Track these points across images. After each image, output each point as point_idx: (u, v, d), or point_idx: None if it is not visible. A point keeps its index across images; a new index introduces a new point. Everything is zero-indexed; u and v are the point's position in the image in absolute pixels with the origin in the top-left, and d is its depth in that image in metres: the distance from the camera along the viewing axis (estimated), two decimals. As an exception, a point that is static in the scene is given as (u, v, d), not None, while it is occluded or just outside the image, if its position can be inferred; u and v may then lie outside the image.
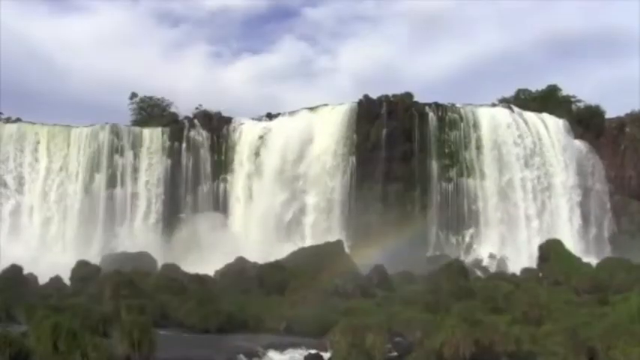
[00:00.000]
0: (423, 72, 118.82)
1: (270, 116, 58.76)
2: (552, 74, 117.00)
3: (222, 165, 56.18)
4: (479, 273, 42.64)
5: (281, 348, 20.70)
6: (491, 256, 48.88)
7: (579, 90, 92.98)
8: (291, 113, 57.72)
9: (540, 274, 37.22)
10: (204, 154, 56.38)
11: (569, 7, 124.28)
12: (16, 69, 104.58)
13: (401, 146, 53.03)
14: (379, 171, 52.45)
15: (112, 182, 54.51)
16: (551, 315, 22.41)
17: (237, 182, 54.96)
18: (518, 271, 41.09)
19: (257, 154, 55.18)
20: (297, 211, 51.98)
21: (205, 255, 46.70)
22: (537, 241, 44.39)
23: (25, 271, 34.76)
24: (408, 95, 55.35)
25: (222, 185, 55.49)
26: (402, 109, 54.13)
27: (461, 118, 54.40)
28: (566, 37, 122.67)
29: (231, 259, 37.09)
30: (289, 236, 50.15)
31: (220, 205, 54.93)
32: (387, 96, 55.00)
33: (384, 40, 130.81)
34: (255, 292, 30.93)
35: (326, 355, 19.24)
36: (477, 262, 47.71)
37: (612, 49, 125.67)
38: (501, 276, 37.97)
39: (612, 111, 58.28)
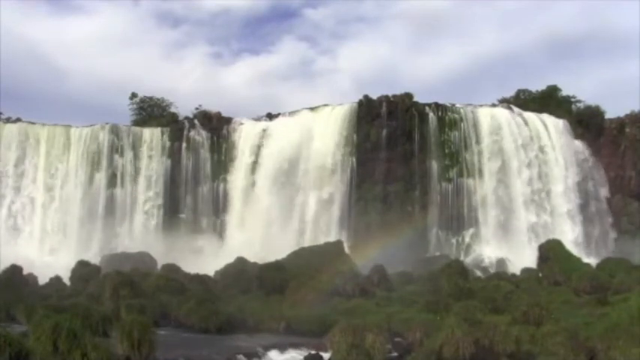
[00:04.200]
0: (423, 72, 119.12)
1: (270, 116, 58.77)
2: (552, 74, 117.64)
3: (222, 165, 56.19)
4: (479, 273, 42.60)
5: (281, 348, 20.69)
6: (492, 257, 48.85)
7: (579, 90, 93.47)
8: (292, 113, 57.71)
9: (540, 274, 37.17)
10: (204, 154, 56.38)
11: (569, 7, 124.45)
12: (16, 69, 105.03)
13: (401, 146, 53.02)
14: (379, 171, 52.43)
15: (112, 182, 54.53)
16: (551, 315, 22.38)
17: (237, 182, 54.95)
18: (518, 271, 41.10)
19: (257, 154, 55.18)
20: (297, 211, 51.97)
21: (205, 255, 46.83)
22: (537, 241, 44.39)
23: (25, 272, 34.83)
24: (408, 95, 55.29)
25: (222, 185, 55.50)
26: (402, 110, 54.10)
27: (461, 118, 54.35)
28: (566, 37, 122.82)
29: (231, 259, 37.10)
30: (289, 236, 50.10)
31: (220, 205, 54.95)
32: (387, 96, 54.95)
33: (384, 41, 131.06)
34: (255, 292, 30.93)
35: (326, 355, 19.22)
36: (477, 263, 47.67)
37: (612, 49, 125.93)
38: (501, 276, 37.98)
39: (612, 111, 58.33)
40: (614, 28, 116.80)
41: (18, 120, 58.15)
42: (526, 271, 39.87)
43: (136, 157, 55.64)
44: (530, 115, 55.50)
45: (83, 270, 36.16)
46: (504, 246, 49.89)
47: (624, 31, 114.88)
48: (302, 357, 19.99)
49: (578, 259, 38.17)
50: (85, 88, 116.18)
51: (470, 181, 52.34)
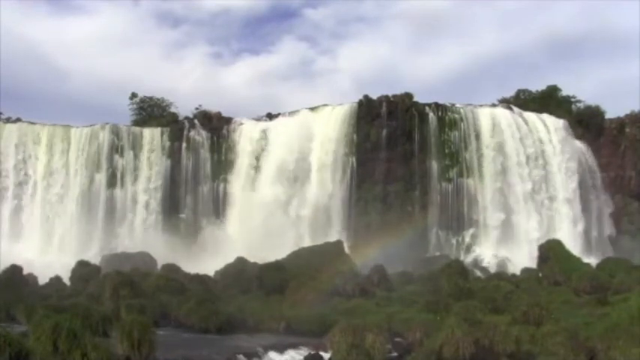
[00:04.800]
0: (423, 72, 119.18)
1: (270, 116, 58.77)
2: (552, 74, 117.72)
3: (222, 165, 56.17)
4: (479, 273, 42.61)
5: (281, 348, 20.68)
6: (492, 257, 48.85)
7: (579, 90, 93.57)
8: (292, 113, 57.71)
9: (540, 274, 37.16)
10: (204, 154, 56.36)
11: (569, 7, 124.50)
12: (16, 69, 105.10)
13: (401, 146, 53.02)
14: (379, 171, 52.43)
15: (112, 182, 54.50)
16: (551, 315, 22.38)
17: (237, 182, 54.93)
18: (518, 271, 41.09)
19: (257, 154, 55.18)
20: (297, 211, 51.94)
21: (205, 255, 46.79)
22: (537, 241, 44.35)
23: (25, 272, 34.81)
24: (408, 95, 55.28)
25: (222, 185, 55.48)
26: (402, 109, 54.09)
27: (461, 118, 54.33)
28: (566, 37, 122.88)
29: (230, 259, 37.09)
30: (289, 236, 50.07)
31: (220, 205, 54.93)
32: (387, 96, 54.94)
33: (384, 41, 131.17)
34: (255, 292, 30.93)
35: (326, 355, 19.23)
36: (477, 263, 47.70)
37: (612, 49, 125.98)
38: (501, 276, 37.98)
39: (612, 111, 58.36)
40: (614, 28, 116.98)
41: (18, 120, 58.13)
42: (526, 271, 39.85)
43: (136, 157, 55.61)
44: (530, 115, 55.50)
45: (83, 270, 36.15)
46: (504, 246, 49.88)
47: (624, 31, 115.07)
48: (302, 357, 19.99)
49: (578, 259, 38.15)
50: (85, 88, 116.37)
51: (470, 182, 52.33)
